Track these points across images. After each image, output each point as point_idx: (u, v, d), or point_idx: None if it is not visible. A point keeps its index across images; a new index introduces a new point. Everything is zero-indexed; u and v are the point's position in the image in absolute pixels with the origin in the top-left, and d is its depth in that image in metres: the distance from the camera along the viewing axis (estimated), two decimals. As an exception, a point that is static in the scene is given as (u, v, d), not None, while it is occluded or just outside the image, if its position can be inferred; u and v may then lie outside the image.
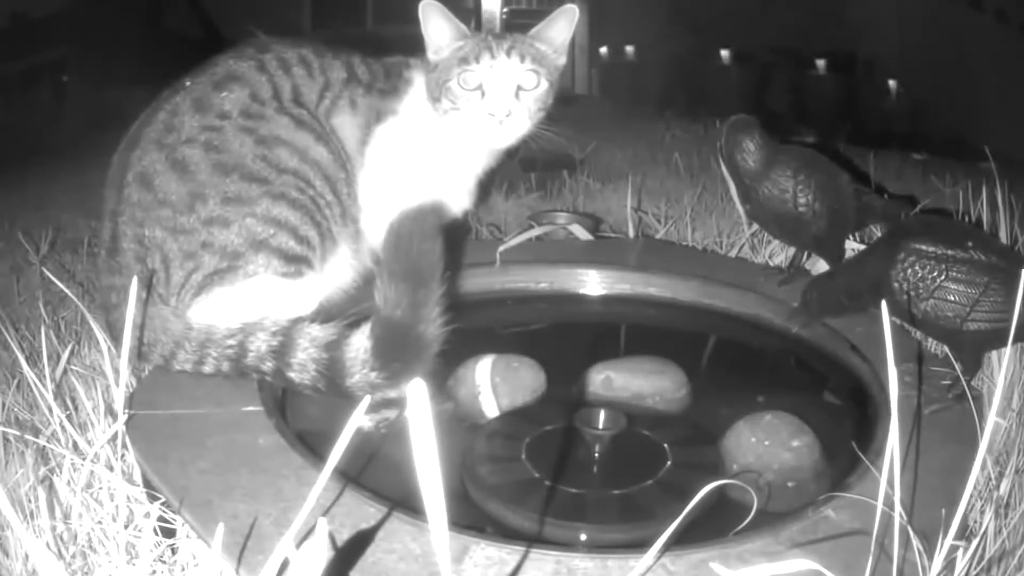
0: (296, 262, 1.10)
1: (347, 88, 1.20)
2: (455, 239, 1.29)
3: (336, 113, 1.18)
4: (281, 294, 1.09)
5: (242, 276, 1.07)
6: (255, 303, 1.07)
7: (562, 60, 1.26)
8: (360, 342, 0.98)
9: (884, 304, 0.70)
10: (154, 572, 0.79)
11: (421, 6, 1.17)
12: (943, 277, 0.98)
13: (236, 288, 1.07)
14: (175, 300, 1.07)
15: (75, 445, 0.95)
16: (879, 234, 1.41)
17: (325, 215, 1.13)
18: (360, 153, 1.19)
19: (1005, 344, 1.01)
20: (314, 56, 1.19)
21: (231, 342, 1.02)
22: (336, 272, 1.18)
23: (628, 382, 1.11)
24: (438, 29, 1.19)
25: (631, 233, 1.66)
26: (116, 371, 0.89)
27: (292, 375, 1.00)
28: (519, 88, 1.18)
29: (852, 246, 1.32)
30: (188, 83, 1.13)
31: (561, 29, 1.22)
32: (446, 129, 1.21)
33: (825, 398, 1.21)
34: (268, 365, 1.00)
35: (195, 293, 1.07)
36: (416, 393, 0.52)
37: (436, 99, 1.20)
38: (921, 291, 0.99)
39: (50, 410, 0.97)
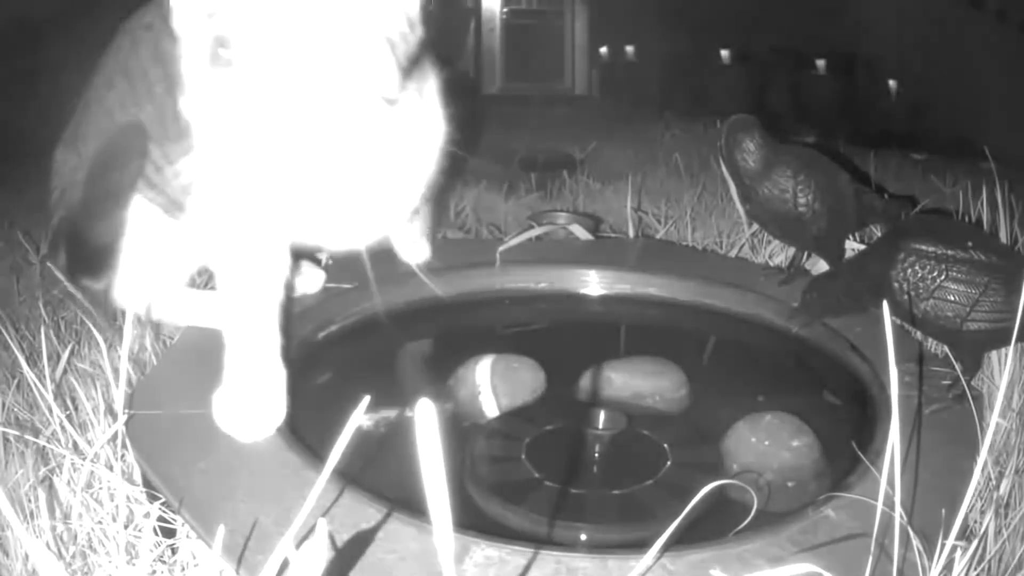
0: None
1: None
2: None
3: None
4: None
5: None
6: None
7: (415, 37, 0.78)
8: None
9: (884, 304, 0.70)
10: (154, 572, 0.79)
11: None
12: (943, 277, 0.98)
13: None
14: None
15: (75, 445, 0.95)
16: (879, 234, 1.40)
17: None
18: None
19: (1005, 344, 1.01)
20: None
21: (56, 181, 1.14)
22: None
23: (628, 382, 1.11)
24: None
25: (631, 233, 1.66)
26: (116, 371, 0.89)
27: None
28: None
29: (852, 246, 1.32)
30: None
31: None
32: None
33: (825, 398, 1.21)
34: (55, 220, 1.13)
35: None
36: (423, 407, 0.51)
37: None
38: (921, 291, 0.99)
39: (50, 410, 0.97)
